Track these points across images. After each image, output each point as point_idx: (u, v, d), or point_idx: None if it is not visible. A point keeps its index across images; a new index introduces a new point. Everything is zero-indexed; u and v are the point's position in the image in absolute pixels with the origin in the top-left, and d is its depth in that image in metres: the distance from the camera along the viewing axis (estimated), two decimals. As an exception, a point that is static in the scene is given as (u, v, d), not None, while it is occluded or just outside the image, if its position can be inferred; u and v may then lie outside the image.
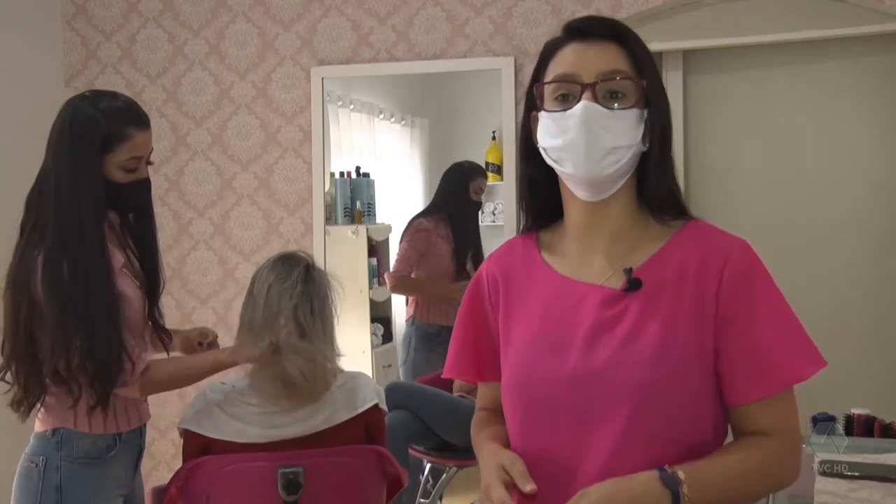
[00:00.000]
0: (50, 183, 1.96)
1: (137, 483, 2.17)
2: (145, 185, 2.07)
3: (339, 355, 2.10)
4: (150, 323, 2.13)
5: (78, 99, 2.01)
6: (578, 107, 1.23)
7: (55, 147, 1.98)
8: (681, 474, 1.16)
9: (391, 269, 3.62)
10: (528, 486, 1.18)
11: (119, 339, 1.94)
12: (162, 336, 2.19)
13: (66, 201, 1.93)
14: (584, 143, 1.23)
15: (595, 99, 1.23)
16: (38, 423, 2.04)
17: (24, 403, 1.97)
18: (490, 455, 1.28)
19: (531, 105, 1.34)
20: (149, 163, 2.06)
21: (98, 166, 1.96)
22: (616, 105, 1.24)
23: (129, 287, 2.03)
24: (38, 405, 1.99)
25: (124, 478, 2.09)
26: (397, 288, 3.64)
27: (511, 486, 1.20)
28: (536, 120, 1.31)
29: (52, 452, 1.99)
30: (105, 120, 1.96)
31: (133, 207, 2.09)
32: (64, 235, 1.92)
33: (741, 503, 1.25)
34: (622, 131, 1.24)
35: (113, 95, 2.05)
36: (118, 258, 2.03)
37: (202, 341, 2.30)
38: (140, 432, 2.13)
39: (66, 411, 1.97)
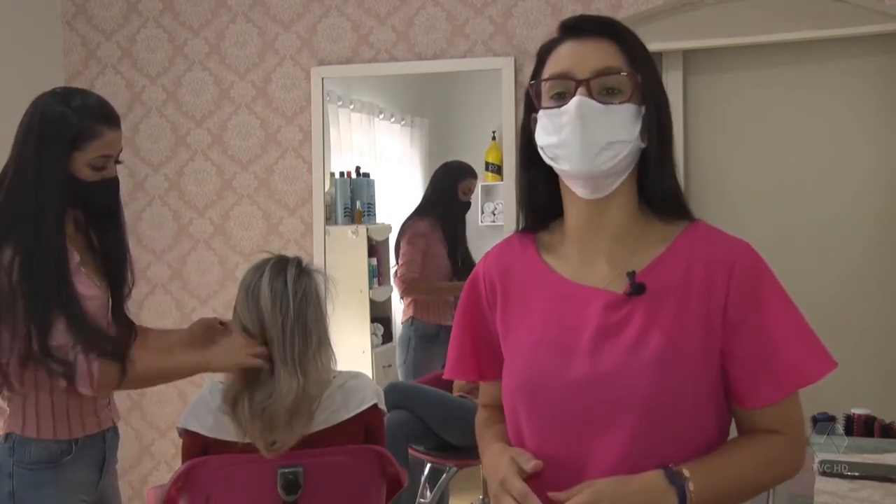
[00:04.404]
0: (9, 178, 1.95)
1: (109, 489, 2.15)
2: (113, 184, 2.05)
3: (334, 361, 2.10)
4: (114, 323, 2.11)
5: (48, 96, 1.99)
6: (573, 102, 1.23)
7: (21, 142, 1.96)
8: (685, 472, 1.18)
9: (399, 275, 3.62)
10: (531, 464, 1.22)
11: (74, 337, 1.92)
12: (126, 335, 2.16)
13: (25, 197, 1.92)
14: (580, 138, 1.22)
15: (590, 95, 1.23)
16: None
17: None
18: (499, 452, 1.29)
19: (531, 107, 1.34)
20: (118, 162, 2.05)
21: (66, 164, 1.94)
22: (611, 101, 1.24)
23: (85, 286, 2.01)
24: None
25: (87, 484, 2.06)
26: (409, 291, 3.62)
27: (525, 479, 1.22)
28: (536, 121, 1.31)
29: (5, 458, 1.97)
30: (76, 117, 1.94)
31: (100, 206, 2.06)
32: (20, 230, 1.90)
33: (746, 498, 1.26)
34: (618, 126, 1.23)
35: (84, 93, 2.04)
36: (75, 257, 2.01)
37: (222, 321, 2.27)
38: (102, 438, 2.10)
39: (16, 416, 1.96)
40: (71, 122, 1.94)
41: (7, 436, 1.99)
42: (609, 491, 1.15)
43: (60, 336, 1.90)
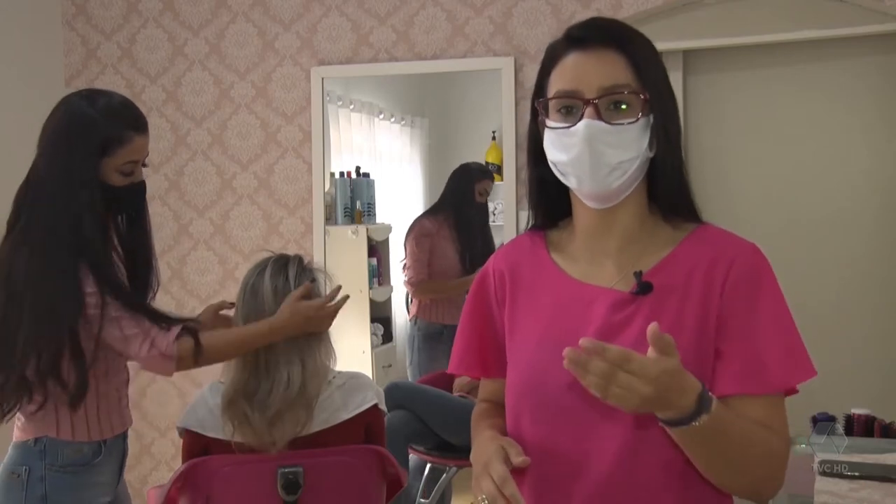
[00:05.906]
0: (43, 183, 1.92)
1: (122, 489, 2.15)
2: (141, 188, 2.04)
3: (334, 360, 2.10)
4: None
5: (76, 97, 1.96)
6: (580, 125, 1.22)
7: (50, 147, 1.93)
8: (714, 399, 1.13)
9: (407, 277, 3.63)
10: (520, 458, 1.22)
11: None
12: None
13: (61, 204, 1.89)
14: (588, 160, 1.23)
15: (597, 114, 1.22)
16: (18, 432, 2.00)
17: (2, 406, 1.93)
18: (490, 439, 1.29)
19: (538, 109, 1.33)
20: (144, 165, 2.03)
21: (96, 170, 1.91)
22: (619, 117, 1.23)
23: None
24: (17, 410, 1.95)
25: (109, 484, 2.07)
26: (419, 292, 3.63)
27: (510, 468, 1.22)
28: (544, 124, 1.31)
29: (36, 462, 1.95)
30: (104, 122, 1.91)
31: (127, 210, 2.06)
32: (57, 236, 1.89)
33: (730, 471, 1.21)
34: (626, 145, 1.23)
35: (110, 96, 2.00)
36: None
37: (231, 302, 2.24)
38: (123, 437, 2.11)
39: (49, 420, 1.95)
40: (99, 127, 1.91)
41: (37, 440, 1.96)
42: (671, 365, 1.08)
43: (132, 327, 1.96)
